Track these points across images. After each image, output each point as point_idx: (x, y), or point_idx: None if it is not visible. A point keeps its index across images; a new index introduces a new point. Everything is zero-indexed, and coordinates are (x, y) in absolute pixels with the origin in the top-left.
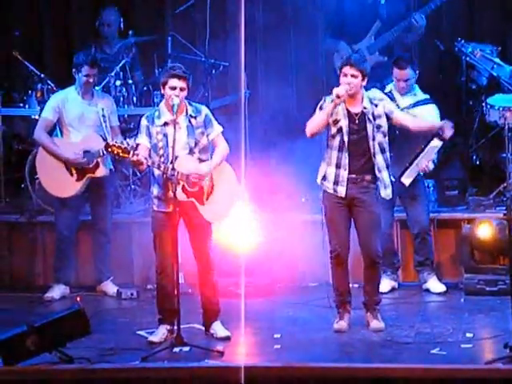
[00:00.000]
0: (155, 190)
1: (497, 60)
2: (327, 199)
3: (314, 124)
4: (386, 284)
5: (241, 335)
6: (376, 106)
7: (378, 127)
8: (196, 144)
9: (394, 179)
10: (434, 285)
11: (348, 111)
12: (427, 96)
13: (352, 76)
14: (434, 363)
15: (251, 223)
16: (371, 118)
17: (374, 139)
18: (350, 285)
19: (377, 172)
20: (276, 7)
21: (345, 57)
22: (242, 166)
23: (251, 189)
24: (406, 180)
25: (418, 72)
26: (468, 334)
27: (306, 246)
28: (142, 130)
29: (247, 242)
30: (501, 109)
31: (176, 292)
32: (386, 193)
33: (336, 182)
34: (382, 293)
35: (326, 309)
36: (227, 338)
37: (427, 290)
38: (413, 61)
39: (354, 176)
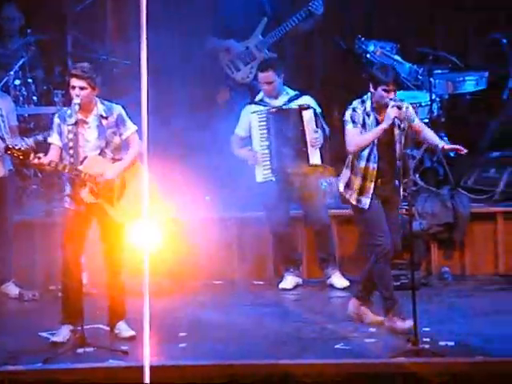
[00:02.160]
0: (67, 189)
1: (396, 57)
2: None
3: (361, 143)
4: (289, 281)
5: (145, 335)
6: (400, 108)
7: (403, 130)
8: (107, 144)
9: (303, 169)
10: (338, 280)
11: (377, 120)
12: (296, 92)
13: (394, 92)
14: (339, 358)
15: (156, 222)
16: (399, 122)
17: (400, 142)
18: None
19: (401, 174)
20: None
21: (388, 70)
22: (145, 166)
23: (157, 188)
24: (316, 159)
25: (283, 75)
26: (371, 329)
27: (211, 245)
28: (54, 128)
29: (152, 242)
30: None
31: (80, 292)
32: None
33: (360, 193)
34: (286, 289)
35: (231, 306)
36: (132, 338)
37: (331, 286)
38: (277, 63)
39: (379, 185)
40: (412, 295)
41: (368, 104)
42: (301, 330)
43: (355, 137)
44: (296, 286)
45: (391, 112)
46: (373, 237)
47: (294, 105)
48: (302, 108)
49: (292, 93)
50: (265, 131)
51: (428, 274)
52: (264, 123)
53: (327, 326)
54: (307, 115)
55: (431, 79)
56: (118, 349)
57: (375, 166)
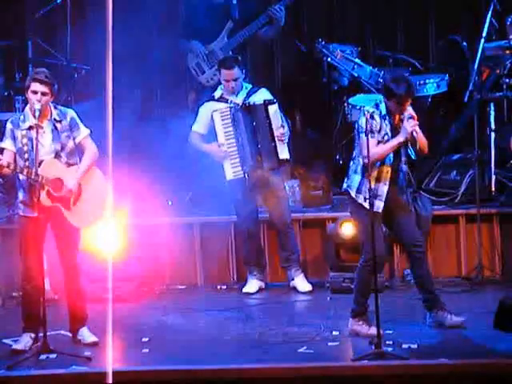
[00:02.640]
0: (21, 195)
1: (357, 60)
2: (364, 212)
3: (379, 157)
4: (253, 285)
5: (108, 340)
6: (414, 118)
7: (415, 138)
8: (62, 148)
9: (274, 166)
10: (301, 283)
11: (391, 124)
12: (250, 85)
13: (408, 104)
14: (302, 362)
15: (118, 228)
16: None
17: (406, 147)
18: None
19: (405, 179)
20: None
21: (401, 82)
22: (109, 171)
23: (118, 193)
24: (284, 154)
25: (244, 71)
26: (334, 332)
27: (174, 249)
28: (7, 133)
29: (114, 247)
30: (362, 108)
31: (42, 298)
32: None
33: (374, 196)
34: (250, 293)
35: (194, 311)
36: (94, 344)
37: (294, 289)
38: (239, 60)
39: (392, 188)
40: (375, 298)
41: (383, 107)
42: (264, 334)
43: (373, 149)
44: (259, 290)
45: (407, 125)
46: (368, 244)
47: (257, 100)
48: (267, 103)
49: (248, 86)
50: (230, 129)
51: (391, 277)
52: (229, 121)
53: (290, 330)
54: (272, 110)
55: (381, 87)
56: (81, 355)
57: (389, 168)
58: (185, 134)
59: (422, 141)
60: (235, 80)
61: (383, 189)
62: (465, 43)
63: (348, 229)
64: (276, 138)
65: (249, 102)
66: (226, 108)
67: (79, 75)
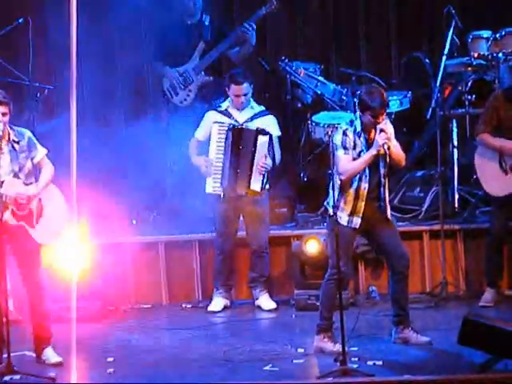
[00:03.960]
0: None
1: (320, 78)
2: (340, 229)
3: (354, 172)
4: (219, 302)
5: (73, 360)
6: (385, 132)
7: (388, 149)
8: (21, 169)
9: (244, 192)
10: (265, 302)
11: (366, 140)
12: (263, 108)
13: (382, 115)
14: (267, 380)
15: (82, 247)
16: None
17: (384, 161)
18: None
19: (385, 193)
20: (102, 31)
21: (375, 95)
22: (73, 190)
23: (81, 212)
24: (256, 185)
25: (252, 85)
26: (299, 350)
27: (139, 268)
28: None
29: (78, 267)
30: (325, 126)
31: (5, 319)
32: (389, 212)
33: (352, 213)
34: (215, 312)
35: (160, 330)
36: (59, 364)
37: (259, 307)
38: (247, 75)
39: (368, 203)
40: (340, 314)
41: (358, 124)
42: (229, 352)
43: (347, 165)
44: (224, 308)
45: (379, 138)
46: (334, 259)
47: (254, 125)
48: (258, 132)
49: (257, 108)
50: (222, 145)
51: (356, 293)
52: (223, 137)
53: (255, 348)
54: (262, 140)
55: (355, 100)
56: (45, 375)
57: (366, 185)
58: (152, 153)
59: (399, 154)
60: (245, 95)
61: (361, 205)
62: (427, 60)
63: (312, 246)
64: (254, 167)
65: (242, 126)
66: (223, 124)
67: (42, 95)
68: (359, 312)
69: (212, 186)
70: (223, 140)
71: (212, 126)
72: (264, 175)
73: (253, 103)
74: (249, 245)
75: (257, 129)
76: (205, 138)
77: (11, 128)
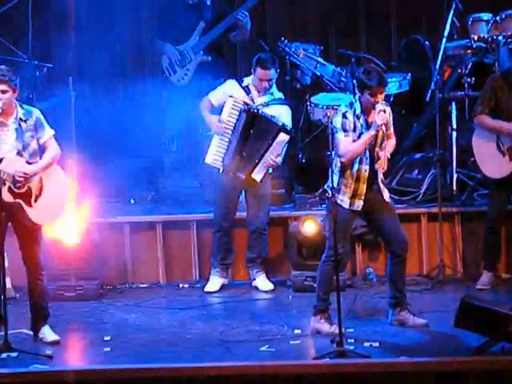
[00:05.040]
0: None
1: (320, 59)
2: (339, 211)
3: (354, 154)
4: (216, 282)
5: (70, 339)
6: (384, 112)
7: (384, 133)
8: (25, 147)
9: (243, 177)
10: (263, 283)
11: (366, 122)
12: (281, 95)
13: (381, 94)
14: (264, 360)
15: (81, 225)
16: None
17: (380, 145)
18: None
19: (381, 176)
20: (101, 5)
21: (372, 73)
22: (72, 168)
23: (80, 192)
24: (257, 176)
25: (278, 71)
26: (296, 331)
27: (136, 248)
28: None
29: (76, 245)
30: (324, 107)
31: (2, 297)
32: (387, 195)
33: (354, 196)
34: (212, 292)
35: (156, 309)
36: (56, 342)
37: (256, 288)
38: (275, 61)
39: (369, 186)
40: (337, 296)
41: (357, 106)
42: (226, 332)
43: (348, 146)
44: (221, 288)
45: (378, 118)
46: (332, 241)
47: (274, 113)
48: (282, 129)
49: (276, 94)
50: (233, 121)
51: (353, 275)
52: (236, 113)
53: (252, 329)
54: (281, 137)
55: (354, 81)
56: (42, 353)
57: (367, 167)
58: (149, 133)
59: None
60: (269, 81)
61: (362, 187)
62: (427, 42)
63: (310, 226)
64: (263, 160)
65: (258, 110)
66: (241, 102)
67: (41, 73)
68: (357, 294)
69: (213, 157)
70: (235, 118)
71: (227, 99)
72: (268, 170)
73: (274, 89)
74: (248, 225)
75: (282, 125)
76: (217, 105)
77: (21, 106)
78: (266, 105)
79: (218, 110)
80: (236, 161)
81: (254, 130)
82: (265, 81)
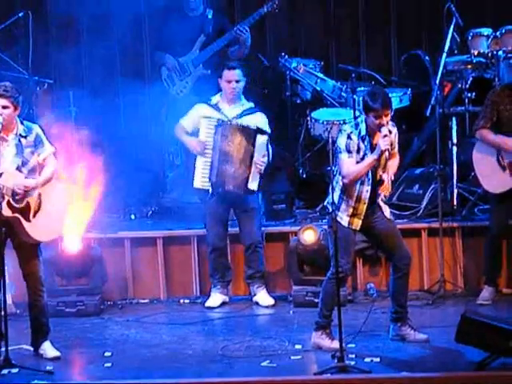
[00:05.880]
0: None
1: (320, 74)
2: (340, 227)
3: (357, 175)
4: (217, 298)
5: (71, 354)
6: (391, 133)
7: (387, 157)
8: (24, 163)
9: (241, 192)
10: (263, 298)
11: (371, 144)
12: (252, 105)
13: (386, 116)
14: (265, 375)
15: (81, 241)
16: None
17: (384, 167)
18: None
19: (382, 195)
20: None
21: (377, 95)
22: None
23: (81, 207)
24: (253, 185)
25: (246, 79)
26: (297, 346)
27: (137, 263)
28: None
29: (77, 261)
30: (325, 122)
31: (3, 313)
32: (388, 212)
33: (353, 215)
34: (212, 307)
35: (157, 325)
36: (57, 358)
37: (257, 303)
38: (242, 66)
39: (369, 204)
40: (338, 311)
41: (363, 127)
42: (227, 348)
43: (351, 168)
44: (222, 304)
45: (382, 143)
46: (336, 261)
47: (250, 123)
48: (258, 131)
49: (247, 105)
50: (211, 140)
51: (353, 290)
52: (211, 132)
53: (253, 344)
54: (260, 139)
55: (355, 96)
56: (43, 369)
57: (369, 188)
58: (151, 147)
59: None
60: (237, 82)
61: (362, 207)
62: (427, 57)
63: (309, 235)
64: (253, 167)
65: (231, 122)
66: (214, 119)
67: (41, 88)
68: (370, 309)
69: (201, 180)
70: (212, 135)
71: (200, 122)
72: (261, 174)
73: (243, 100)
74: (242, 241)
75: (257, 128)
76: (191, 130)
77: (21, 122)
78: (239, 116)
79: (193, 135)
80: (222, 176)
81: (232, 142)
82: (233, 81)
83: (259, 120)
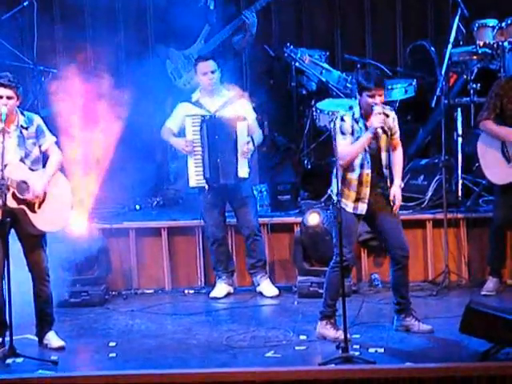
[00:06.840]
0: None
1: (325, 65)
2: (344, 215)
3: (352, 157)
4: (222, 289)
5: (75, 344)
6: (388, 116)
7: (390, 138)
8: (27, 155)
9: (232, 181)
10: (267, 288)
11: (365, 126)
12: (233, 93)
13: (380, 96)
14: (269, 366)
15: (85, 233)
16: (386, 129)
17: (387, 150)
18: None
19: (388, 182)
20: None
21: (371, 75)
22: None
23: (86, 199)
24: (243, 172)
25: (221, 70)
26: (302, 336)
27: (142, 254)
28: None
29: (82, 251)
30: (330, 113)
31: (7, 303)
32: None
33: (357, 200)
34: (218, 298)
35: (162, 315)
36: (61, 348)
37: (261, 294)
38: (215, 56)
39: (372, 190)
40: (342, 302)
41: (356, 110)
42: (231, 338)
43: (345, 149)
44: (227, 294)
45: (375, 120)
46: (339, 250)
47: (230, 112)
48: (236, 119)
49: (228, 94)
50: (198, 137)
51: (358, 281)
52: (197, 129)
53: (257, 334)
54: (241, 126)
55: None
56: (48, 359)
57: (369, 171)
58: (155, 138)
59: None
60: (212, 72)
61: (365, 191)
62: (432, 48)
63: (313, 218)
64: (239, 154)
65: (215, 116)
66: (198, 116)
67: (46, 78)
68: (363, 300)
69: (195, 179)
70: (199, 133)
71: (185, 120)
72: (248, 160)
73: (224, 90)
74: (240, 231)
75: (236, 116)
76: (177, 131)
77: (21, 113)
78: (222, 107)
79: (180, 135)
80: (215, 170)
81: (217, 135)
82: (209, 73)
83: (242, 107)
